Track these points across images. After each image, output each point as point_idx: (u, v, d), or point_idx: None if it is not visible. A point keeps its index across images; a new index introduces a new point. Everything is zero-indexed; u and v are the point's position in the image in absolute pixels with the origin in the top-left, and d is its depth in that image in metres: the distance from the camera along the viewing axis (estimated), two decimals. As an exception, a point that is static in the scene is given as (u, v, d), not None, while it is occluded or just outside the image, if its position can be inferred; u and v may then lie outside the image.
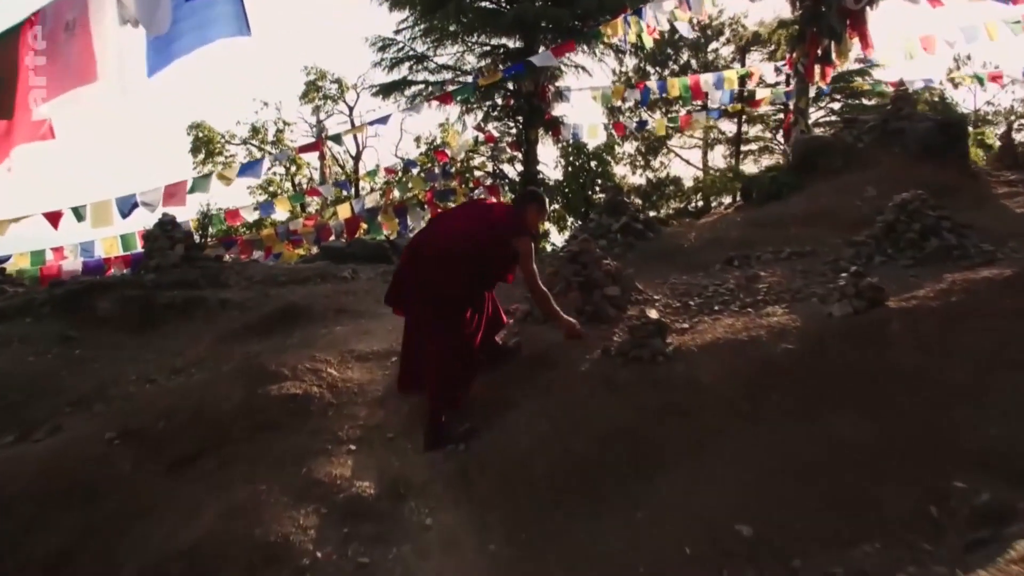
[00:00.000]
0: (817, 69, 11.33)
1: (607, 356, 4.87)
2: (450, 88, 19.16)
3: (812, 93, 12.89)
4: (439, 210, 19.81)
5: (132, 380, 6.50)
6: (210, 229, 13.74)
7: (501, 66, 19.39)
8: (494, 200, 6.42)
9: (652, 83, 20.40)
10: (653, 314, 4.92)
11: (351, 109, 26.46)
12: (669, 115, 25.76)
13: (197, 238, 9.30)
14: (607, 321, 5.77)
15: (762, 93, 19.50)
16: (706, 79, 17.56)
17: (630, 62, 27.46)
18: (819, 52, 11.24)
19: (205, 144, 25.54)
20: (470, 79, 20.14)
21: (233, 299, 7.96)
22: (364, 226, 16.73)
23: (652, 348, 4.67)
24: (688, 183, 31.67)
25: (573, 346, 5.30)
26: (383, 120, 13.96)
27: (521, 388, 5.00)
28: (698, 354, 4.76)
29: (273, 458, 4.57)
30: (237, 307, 7.84)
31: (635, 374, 4.60)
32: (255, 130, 26.57)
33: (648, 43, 15.90)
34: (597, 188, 25.02)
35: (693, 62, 30.30)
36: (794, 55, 11.73)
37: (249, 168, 13.16)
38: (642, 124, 23.34)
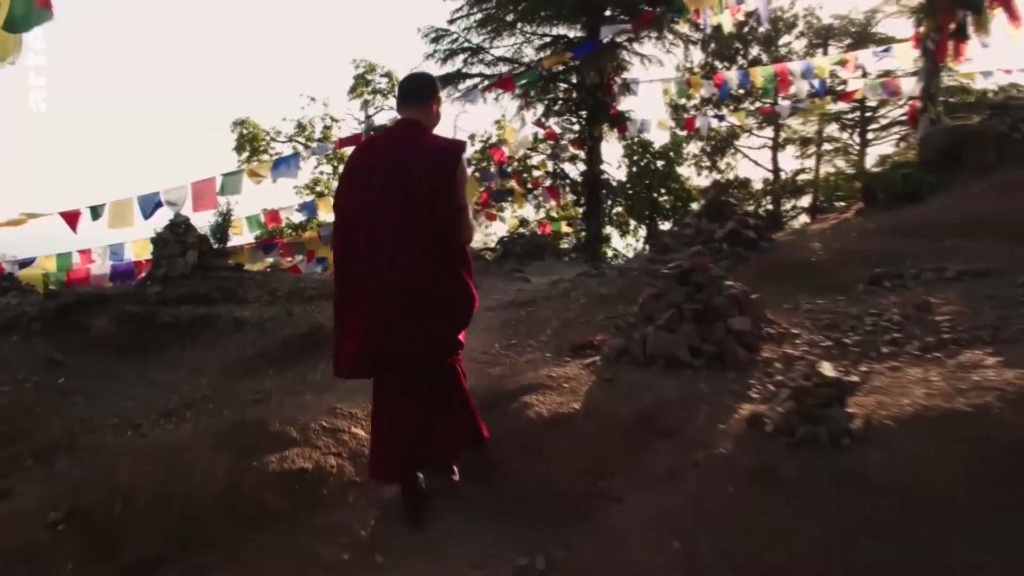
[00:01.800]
0: (950, 46, 9.54)
1: (759, 431, 3.28)
2: (509, 74, 17.62)
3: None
4: (492, 213, 18.38)
5: (113, 424, 5.17)
6: (230, 232, 12.38)
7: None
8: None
9: (732, 73, 18.61)
10: (827, 369, 3.32)
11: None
12: (737, 111, 23.86)
13: (214, 243, 7.87)
14: (735, 367, 4.19)
15: (855, 84, 17.55)
16: (793, 68, 15.72)
17: (695, 56, 25.65)
18: (953, 26, 9.47)
19: (250, 141, 24.45)
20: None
21: (250, 318, 6.56)
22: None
23: (832, 424, 3.06)
24: (757, 185, 29.82)
25: (695, 403, 3.75)
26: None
27: (622, 469, 3.47)
28: (898, 433, 3.13)
29: (264, 573, 3.12)
30: (254, 328, 6.43)
31: (808, 465, 3.00)
32: (301, 127, 25.37)
33: (728, 26, 14.19)
34: (663, 190, 23.42)
35: (764, 56, 28.33)
36: (921, 30, 9.95)
37: (284, 165, 11.75)
38: (720, 118, 21.50)
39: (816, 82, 16.12)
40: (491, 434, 3.83)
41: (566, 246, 18.36)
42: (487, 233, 25.45)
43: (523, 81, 13.66)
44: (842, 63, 16.25)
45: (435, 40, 20.38)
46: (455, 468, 3.65)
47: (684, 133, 23.55)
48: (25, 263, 13.27)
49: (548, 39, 19.90)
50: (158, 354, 6.33)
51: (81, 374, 6.15)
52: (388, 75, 24.75)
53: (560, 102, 19.39)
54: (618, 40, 16.74)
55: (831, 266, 6.21)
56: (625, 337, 4.63)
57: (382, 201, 3.20)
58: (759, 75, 15.91)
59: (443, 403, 3.48)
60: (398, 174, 3.19)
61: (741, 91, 22.94)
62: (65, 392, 5.84)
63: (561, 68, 18.27)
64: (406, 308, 3.22)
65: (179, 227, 7.44)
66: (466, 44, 20.46)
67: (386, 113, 25.35)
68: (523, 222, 23.16)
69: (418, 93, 3.43)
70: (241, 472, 3.61)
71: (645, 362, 4.36)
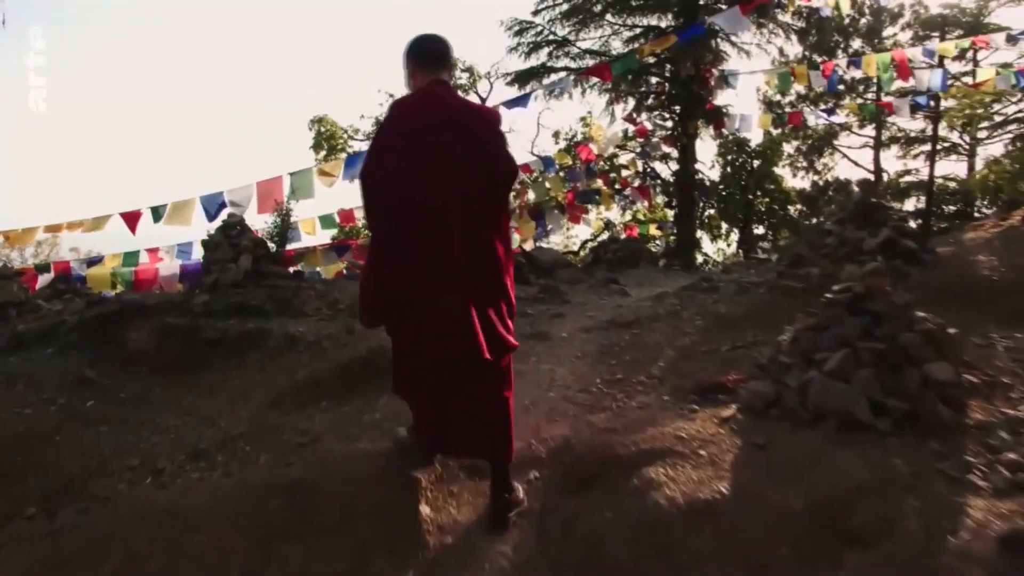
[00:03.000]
0: None
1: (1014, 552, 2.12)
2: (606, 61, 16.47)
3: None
4: (577, 215, 17.27)
5: (132, 466, 4.31)
6: (301, 232, 11.67)
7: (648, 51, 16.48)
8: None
9: (841, 62, 17.05)
10: None
11: (483, 100, 24.12)
12: (840, 107, 22.07)
13: (273, 246, 7.00)
14: (937, 432, 3.02)
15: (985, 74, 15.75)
16: (914, 54, 14.10)
17: (792, 49, 23.96)
18: None
19: (327, 139, 23.86)
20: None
21: (305, 335, 5.63)
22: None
23: None
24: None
25: (897, 491, 2.61)
26: (522, 101, 11.35)
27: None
28: None
29: None
30: (309, 348, 5.50)
31: None
32: (379, 124, 24.49)
33: (845, 7, 12.77)
34: (759, 192, 21.91)
35: (868, 50, 26.37)
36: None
37: (357, 163, 10.85)
38: (831, 111, 19.87)
39: (937, 75, 14.50)
40: (601, 518, 2.79)
41: (655, 250, 17.10)
42: (568, 235, 24.38)
43: (621, 68, 12.48)
44: (968, 49, 14.53)
45: (519, 33, 19.50)
46: (514, 488, 3.10)
47: (778, 131, 21.94)
48: (93, 261, 12.86)
49: (639, 30, 18.73)
50: (199, 376, 5.47)
51: (112, 396, 5.34)
52: (469, 70, 23.85)
53: (652, 96, 18.15)
54: (716, 27, 15.41)
55: (1019, 286, 4.91)
56: (774, 382, 3.49)
57: (441, 160, 2.85)
58: (873, 63, 14.32)
59: (474, 404, 3.04)
60: (459, 131, 2.90)
61: (841, 87, 21.24)
62: (91, 419, 5.05)
63: (652, 60, 17.07)
64: (460, 290, 2.85)
65: (232, 229, 6.59)
66: (551, 36, 19.54)
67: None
68: (608, 224, 21.97)
69: (444, 55, 3.14)
70: (255, 569, 2.63)
71: (808, 420, 3.21)
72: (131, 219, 9.91)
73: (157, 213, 9.84)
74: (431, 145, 2.86)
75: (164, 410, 5.06)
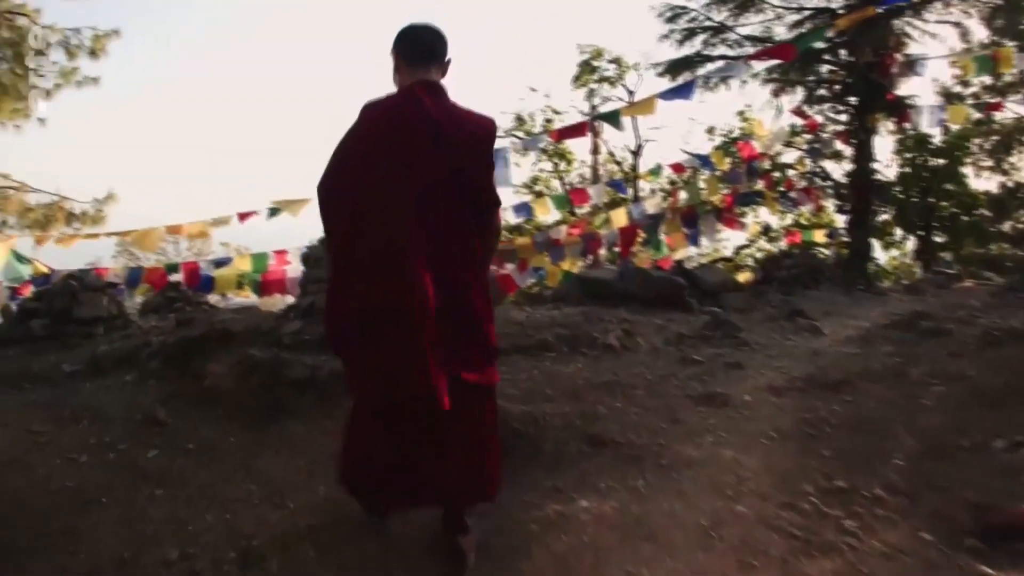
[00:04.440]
0: None
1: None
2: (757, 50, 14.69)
3: None
4: (732, 219, 15.52)
5: (169, 561, 3.26)
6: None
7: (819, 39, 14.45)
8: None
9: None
10: None
11: (631, 94, 22.71)
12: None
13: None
14: None
15: None
16: None
17: (977, 34, 21.04)
18: None
19: (467, 136, 22.93)
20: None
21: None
22: (641, 235, 12.92)
23: None
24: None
25: None
26: (683, 92, 9.73)
27: None
28: None
29: None
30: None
31: None
32: (520, 120, 23.64)
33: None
34: (942, 195, 19.38)
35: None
36: None
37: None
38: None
39: None
40: None
41: (828, 260, 15.13)
42: (719, 239, 22.48)
43: (807, 47, 10.68)
44: None
45: (671, 19, 17.81)
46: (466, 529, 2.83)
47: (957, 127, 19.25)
48: (221, 263, 12.41)
49: (806, 12, 16.74)
50: (279, 425, 4.45)
51: (178, 445, 4.41)
52: (616, 61, 22.39)
53: (824, 86, 16.12)
54: (902, 3, 13.35)
55: None
56: None
57: (408, 181, 2.53)
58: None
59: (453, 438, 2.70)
60: (434, 147, 2.56)
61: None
62: (148, 475, 4.12)
63: (824, 44, 15.11)
64: (416, 327, 2.48)
65: (335, 239, 5.55)
66: (707, 23, 17.80)
67: (613, 104, 23.07)
68: (766, 229, 20.01)
69: (434, 49, 2.74)
70: None
71: None
72: (246, 218, 9.26)
73: (273, 212, 9.13)
74: (398, 160, 2.54)
75: (231, 472, 4.04)
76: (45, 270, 11.28)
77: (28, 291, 9.98)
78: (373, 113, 2.66)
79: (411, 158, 2.53)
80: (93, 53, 13.21)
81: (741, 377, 4.39)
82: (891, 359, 4.44)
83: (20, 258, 11.21)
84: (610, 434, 3.52)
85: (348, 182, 2.61)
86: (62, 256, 12.42)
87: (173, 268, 12.06)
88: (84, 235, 12.70)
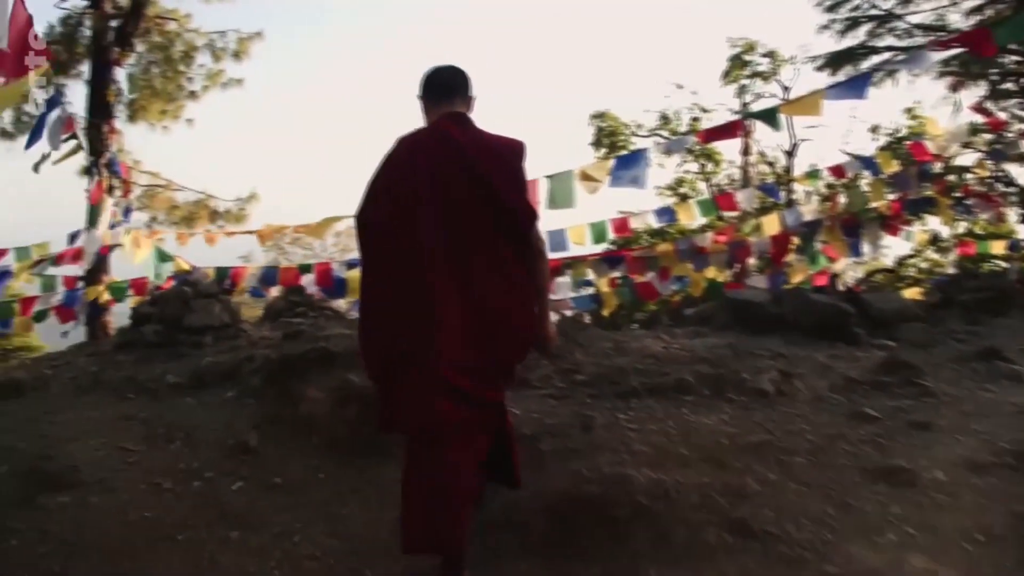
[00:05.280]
0: None
1: None
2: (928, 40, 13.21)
3: None
4: (897, 226, 14.02)
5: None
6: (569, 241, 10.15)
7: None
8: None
9: None
10: None
11: (787, 90, 21.11)
12: None
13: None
14: None
15: None
16: None
17: None
18: None
19: (608, 136, 22.19)
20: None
21: (518, 423, 3.87)
22: (795, 242, 11.77)
23: None
24: None
25: None
26: (856, 89, 8.41)
27: None
28: None
29: None
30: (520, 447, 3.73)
31: None
32: (664, 119, 22.49)
33: None
34: None
35: None
36: None
37: (629, 165, 8.84)
38: None
39: None
40: None
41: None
42: (882, 245, 20.61)
43: (1010, 35, 9.22)
44: None
45: (832, 7, 16.60)
46: None
47: None
48: (354, 264, 12.24)
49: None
50: (370, 465, 3.94)
51: (265, 478, 4.03)
52: (771, 54, 20.95)
53: (1010, 79, 14.37)
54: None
55: None
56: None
57: (443, 206, 2.63)
58: None
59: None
60: (463, 173, 2.66)
61: None
62: (226, 512, 3.78)
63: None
64: (476, 335, 2.60)
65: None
66: (872, 11, 16.46)
67: (766, 101, 21.60)
68: (934, 238, 18.10)
69: (456, 85, 2.89)
70: None
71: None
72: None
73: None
74: (432, 191, 2.63)
75: (312, 518, 3.56)
76: (187, 267, 11.45)
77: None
78: (404, 146, 2.78)
79: (441, 185, 2.62)
80: (237, 55, 13.45)
81: (929, 443, 3.42)
82: None
83: (163, 256, 11.43)
84: (761, 521, 2.74)
85: (380, 215, 2.69)
86: (210, 253, 12.64)
87: (307, 269, 11.99)
88: (234, 232, 12.87)
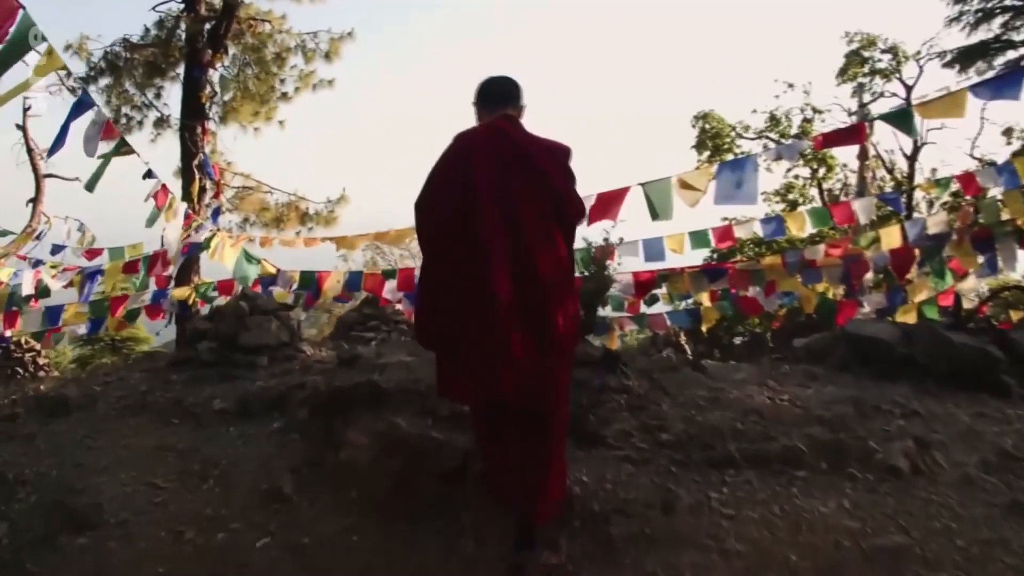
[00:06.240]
0: None
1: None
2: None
3: None
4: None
5: None
6: (667, 249, 9.39)
7: None
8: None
9: None
10: None
11: (909, 89, 19.41)
12: None
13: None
14: None
15: None
16: None
17: None
18: None
19: (712, 138, 21.02)
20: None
21: (590, 492, 3.22)
22: (916, 255, 10.61)
23: None
24: None
25: None
26: (1007, 87, 7.27)
27: None
28: None
29: None
30: (585, 525, 3.08)
31: None
32: (774, 119, 21.12)
33: None
34: None
35: None
36: None
37: (733, 171, 7.92)
38: None
39: None
40: None
41: None
42: (1018, 266, 18.86)
43: None
44: None
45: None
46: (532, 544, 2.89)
47: None
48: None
49: None
50: (414, 531, 3.38)
51: (293, 537, 3.54)
52: (892, 50, 19.41)
53: None
54: None
55: None
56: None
57: (499, 193, 2.83)
58: None
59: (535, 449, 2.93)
60: (518, 163, 2.90)
61: None
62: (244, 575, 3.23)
63: None
64: (529, 308, 2.79)
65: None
66: (1007, 1, 15.27)
67: (886, 101, 20.03)
68: (1050, 252, 16.38)
69: (510, 94, 3.15)
70: None
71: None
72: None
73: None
74: (490, 180, 2.82)
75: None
76: (272, 270, 11.26)
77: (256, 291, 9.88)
78: (462, 139, 2.97)
79: (498, 173, 2.82)
80: (328, 56, 13.24)
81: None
82: None
83: (249, 258, 11.26)
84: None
85: (441, 202, 2.87)
86: (300, 256, 12.42)
87: (390, 275, 11.61)
88: (312, 239, 12.63)
